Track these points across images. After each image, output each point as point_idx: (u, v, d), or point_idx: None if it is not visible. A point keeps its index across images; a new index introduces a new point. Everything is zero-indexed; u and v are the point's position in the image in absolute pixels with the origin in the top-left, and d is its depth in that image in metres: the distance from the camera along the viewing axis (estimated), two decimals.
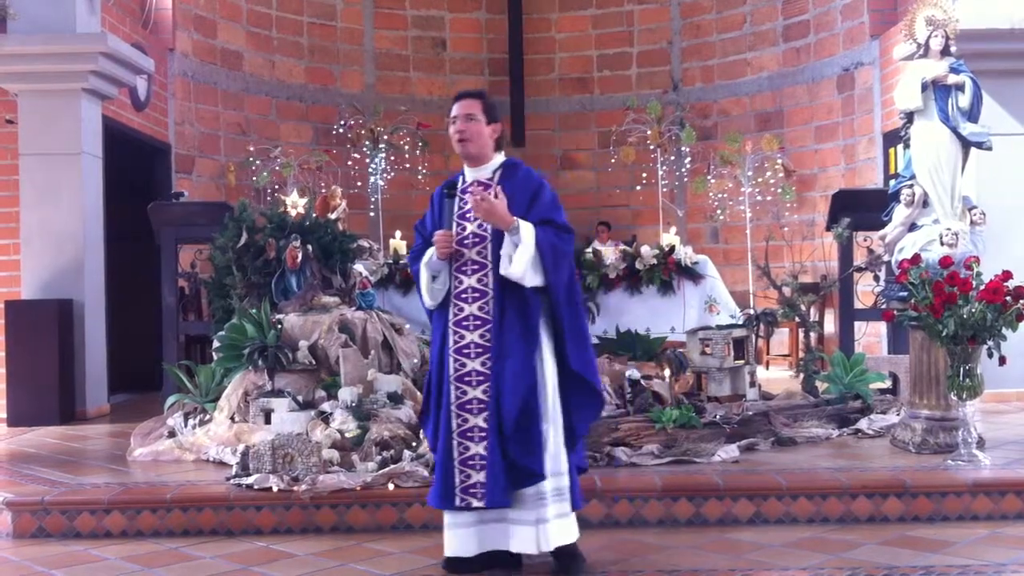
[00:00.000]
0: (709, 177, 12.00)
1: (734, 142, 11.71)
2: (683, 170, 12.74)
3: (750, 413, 6.55)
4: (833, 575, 4.28)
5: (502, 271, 4.21)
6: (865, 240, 7.94)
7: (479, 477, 4.19)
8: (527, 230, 4.19)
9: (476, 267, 4.28)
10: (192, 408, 6.81)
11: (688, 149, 12.56)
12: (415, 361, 6.86)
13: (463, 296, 4.28)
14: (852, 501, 5.17)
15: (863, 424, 6.69)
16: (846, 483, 5.23)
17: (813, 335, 8.12)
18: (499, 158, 4.43)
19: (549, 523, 4.21)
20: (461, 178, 4.44)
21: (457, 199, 4.36)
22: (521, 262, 4.17)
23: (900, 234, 6.25)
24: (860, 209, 7.96)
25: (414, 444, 5.67)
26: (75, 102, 8.44)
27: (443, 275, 4.32)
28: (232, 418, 6.41)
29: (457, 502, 4.21)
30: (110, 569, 4.61)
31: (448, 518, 4.30)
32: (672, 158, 12.58)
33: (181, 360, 8.14)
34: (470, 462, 4.21)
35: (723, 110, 13.31)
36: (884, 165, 10.87)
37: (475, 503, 4.19)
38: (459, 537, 4.28)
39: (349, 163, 12.76)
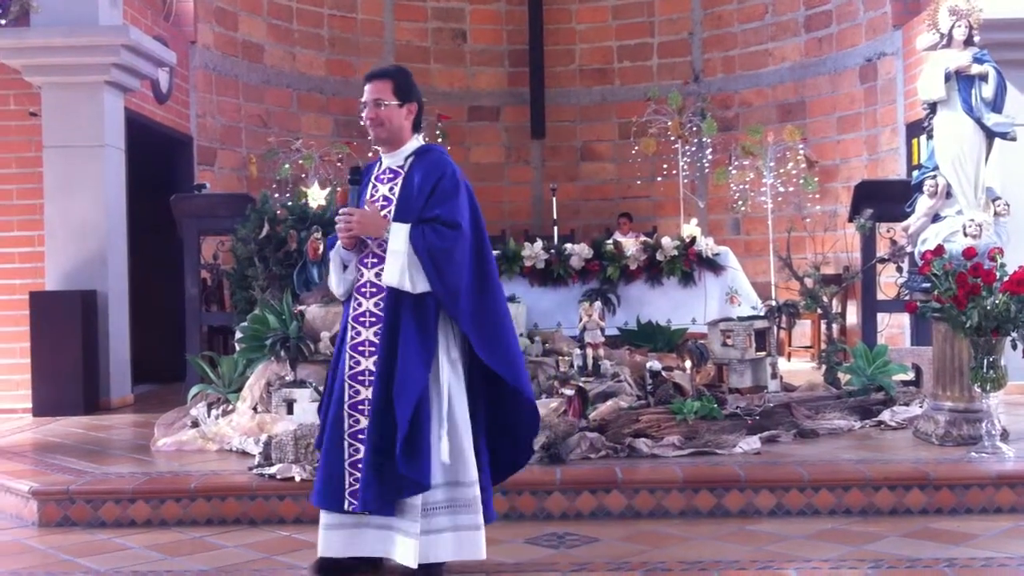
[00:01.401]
0: (730, 168, 11.94)
1: (756, 133, 11.65)
2: (704, 161, 12.70)
3: (771, 405, 6.54)
4: (855, 567, 4.27)
5: (383, 281, 4.02)
6: (888, 231, 7.90)
7: (351, 479, 4.02)
8: (398, 236, 3.97)
9: (376, 260, 4.07)
10: (215, 398, 6.85)
11: (709, 140, 12.50)
12: None
13: (362, 291, 4.10)
14: (874, 493, 5.15)
15: (886, 416, 6.66)
16: (868, 475, 5.21)
17: (835, 326, 8.08)
18: (414, 143, 4.19)
19: (440, 535, 4.00)
20: (379, 164, 4.24)
21: (369, 186, 4.18)
22: (393, 271, 3.95)
23: (923, 225, 6.21)
24: (883, 200, 7.91)
25: None
26: (98, 95, 8.49)
27: (352, 266, 4.14)
28: (255, 408, 6.45)
29: (346, 505, 4.00)
30: (134, 558, 4.65)
31: (327, 518, 4.07)
32: (693, 149, 12.53)
33: (204, 351, 8.19)
34: (359, 465, 3.99)
35: (744, 101, 13.25)
36: (907, 156, 10.80)
37: (349, 505, 4.01)
38: (338, 538, 4.05)
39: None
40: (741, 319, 7.68)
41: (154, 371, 9.73)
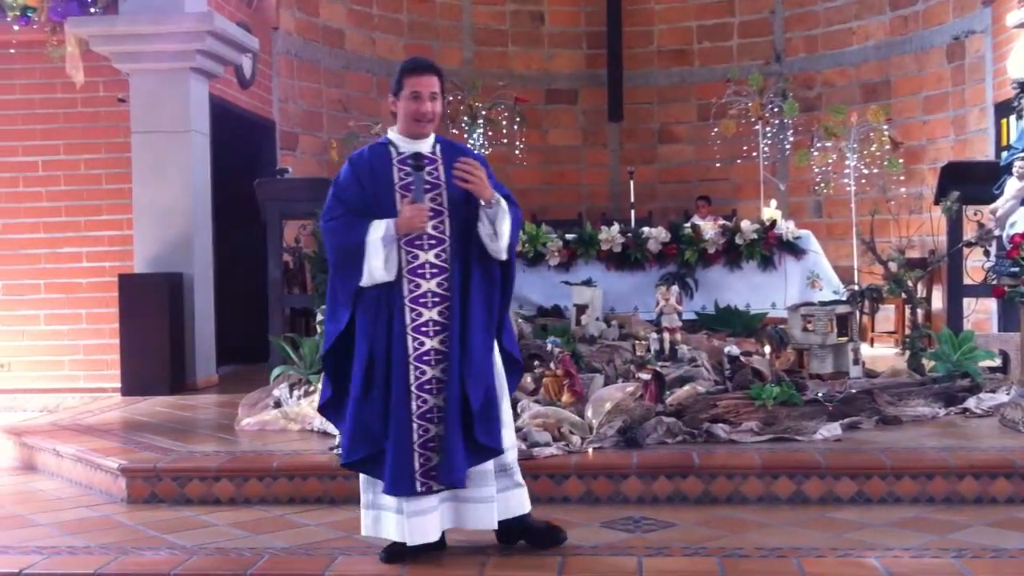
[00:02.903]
0: (812, 150, 11.75)
1: (839, 113, 11.43)
2: (785, 143, 12.51)
3: (853, 391, 6.44)
4: (938, 556, 4.19)
5: (492, 244, 4.13)
6: (975, 214, 7.71)
7: (438, 459, 4.06)
8: (503, 203, 4.14)
9: (434, 242, 4.12)
10: (297, 379, 6.96)
11: (790, 121, 12.31)
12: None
13: (419, 272, 4.11)
14: (958, 481, 5.05)
15: (971, 403, 6.51)
16: (952, 463, 5.11)
17: (920, 312, 7.93)
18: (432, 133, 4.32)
19: (509, 492, 4.24)
20: (392, 150, 4.23)
21: (395, 171, 4.18)
22: (507, 235, 4.12)
23: (1012, 208, 6.07)
24: (970, 182, 7.71)
25: None
26: (183, 81, 8.66)
27: (392, 251, 4.12)
28: None
29: (418, 487, 4.05)
30: (219, 534, 4.76)
31: (402, 504, 4.09)
32: (774, 131, 12.35)
33: (286, 332, 8.32)
34: (430, 444, 4.07)
35: (827, 81, 13.01)
36: (996, 137, 10.51)
37: (435, 486, 4.08)
38: (418, 523, 4.09)
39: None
40: (822, 304, 7.58)
41: (238, 352, 9.93)
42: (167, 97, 8.63)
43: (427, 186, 4.17)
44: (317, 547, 4.51)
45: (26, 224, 9.01)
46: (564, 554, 4.25)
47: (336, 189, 4.27)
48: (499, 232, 4.11)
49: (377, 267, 4.07)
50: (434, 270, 4.13)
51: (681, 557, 4.26)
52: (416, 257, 4.13)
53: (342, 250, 4.14)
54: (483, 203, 4.11)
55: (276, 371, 7.17)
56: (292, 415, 6.46)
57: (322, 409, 4.38)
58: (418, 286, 4.12)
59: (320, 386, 4.46)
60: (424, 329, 4.10)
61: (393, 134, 4.30)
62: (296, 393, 6.77)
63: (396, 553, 4.20)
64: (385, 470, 4.09)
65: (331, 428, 5.96)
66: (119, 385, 8.38)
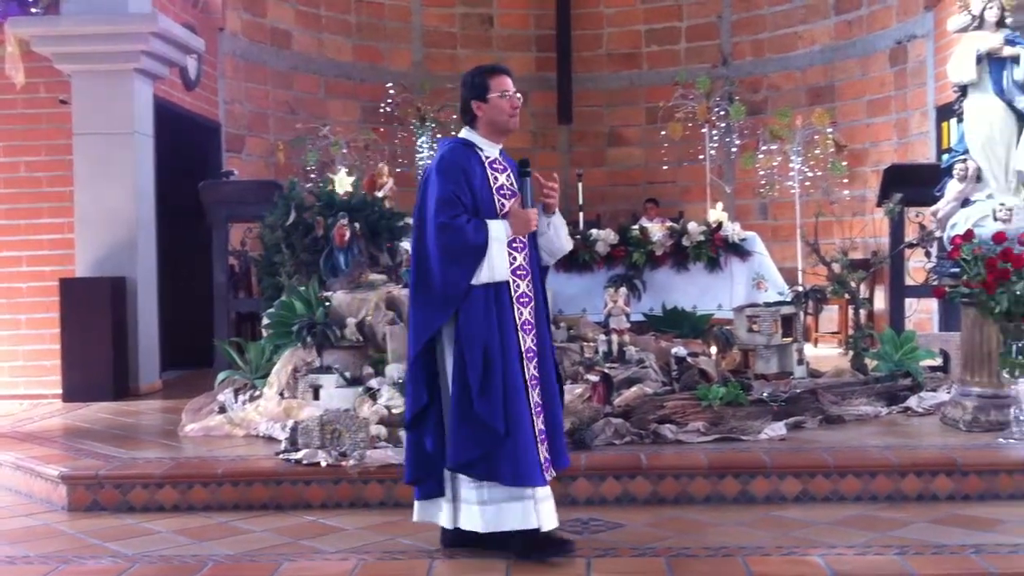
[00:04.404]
0: (758, 153, 11.87)
1: (784, 117, 11.57)
2: (732, 146, 12.62)
3: (798, 391, 6.50)
4: (881, 553, 4.25)
5: (564, 247, 4.51)
6: (917, 216, 7.83)
7: (543, 451, 4.23)
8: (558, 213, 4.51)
9: (520, 245, 4.30)
10: (242, 384, 6.90)
11: (737, 124, 12.43)
12: None
13: (518, 272, 4.27)
14: (901, 479, 5.12)
15: (913, 402, 6.61)
16: (895, 461, 5.18)
17: (863, 312, 8.03)
18: None
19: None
20: (479, 153, 4.32)
21: (490, 176, 4.31)
22: (568, 243, 4.56)
23: (953, 209, 6.15)
24: (912, 184, 7.83)
25: None
26: (127, 82, 8.54)
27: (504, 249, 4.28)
28: (281, 394, 6.49)
29: (548, 477, 4.24)
30: (163, 542, 4.70)
31: (537, 492, 4.16)
32: (721, 133, 12.45)
33: (232, 337, 8.24)
34: (542, 435, 4.24)
35: (773, 84, 13.15)
36: (937, 139, 10.68)
37: (548, 476, 4.25)
38: (550, 508, 4.22)
39: (396, 141, 12.79)
40: (768, 305, 7.65)
41: (182, 357, 9.81)
42: (110, 98, 8.50)
43: (508, 191, 4.32)
44: (263, 553, 4.46)
45: None
46: (513, 557, 4.23)
47: (448, 189, 4.18)
48: (561, 235, 4.46)
49: (500, 266, 4.17)
50: (522, 271, 4.30)
51: (629, 558, 4.28)
52: (515, 259, 4.26)
53: (461, 250, 4.13)
54: (547, 213, 4.41)
55: (221, 376, 7.11)
56: (237, 420, 6.40)
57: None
58: (518, 286, 4.27)
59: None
60: (527, 327, 4.28)
61: (473, 136, 4.36)
62: (242, 398, 6.71)
63: (535, 541, 4.20)
64: (510, 463, 4.09)
65: (277, 433, 5.91)
66: (60, 391, 8.25)
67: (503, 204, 4.27)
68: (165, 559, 4.43)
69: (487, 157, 4.34)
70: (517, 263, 4.27)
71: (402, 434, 5.50)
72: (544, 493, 4.20)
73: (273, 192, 8.17)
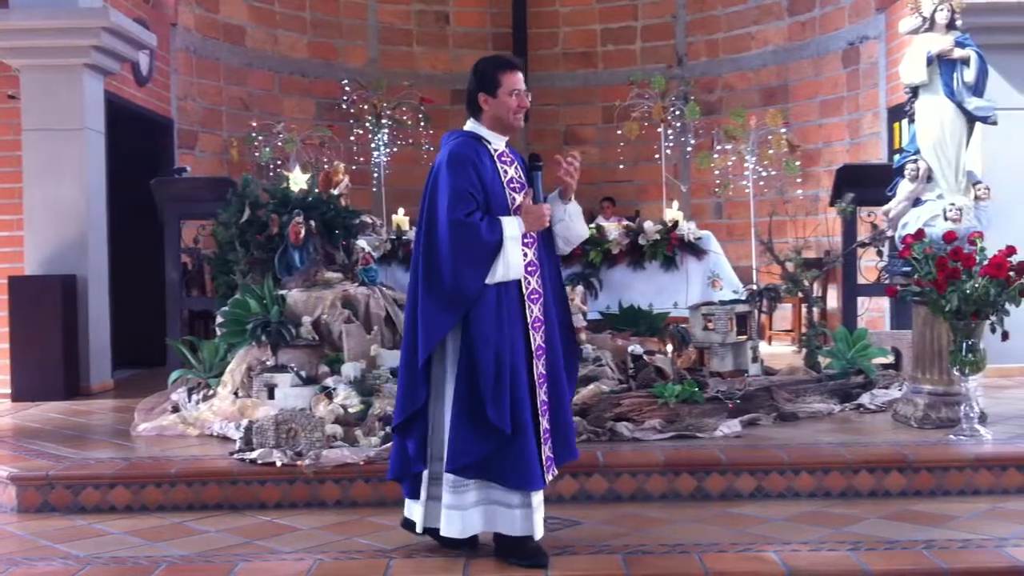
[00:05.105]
0: (713, 152, 11.96)
1: (739, 117, 11.66)
2: (687, 145, 12.69)
3: (752, 388, 6.56)
4: (835, 549, 4.29)
5: (582, 233, 4.39)
6: (869, 215, 7.92)
7: (547, 451, 4.17)
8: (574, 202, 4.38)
9: (531, 240, 4.20)
10: (196, 383, 6.83)
11: (692, 124, 12.50)
12: None
13: (529, 269, 4.18)
14: (854, 476, 5.18)
15: (865, 399, 6.69)
16: (848, 458, 5.24)
17: (816, 310, 8.12)
18: None
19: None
20: (486, 146, 4.23)
21: (500, 169, 4.21)
22: (584, 231, 4.45)
23: (904, 209, 6.23)
24: (864, 184, 7.93)
25: None
26: (77, 77, 8.41)
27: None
28: (236, 393, 6.43)
29: (549, 476, 4.19)
30: (115, 543, 4.63)
31: (533, 499, 4.09)
32: (676, 133, 12.52)
33: (185, 335, 8.16)
34: (544, 436, 4.17)
35: (728, 84, 13.25)
36: (889, 140, 10.83)
37: (549, 477, 4.20)
38: (541, 516, 4.19)
39: (352, 138, 12.72)
40: (723, 303, 7.71)
41: (135, 356, 9.70)
42: (60, 94, 8.37)
43: (518, 184, 4.24)
44: (217, 554, 4.42)
45: None
46: (470, 555, 4.23)
47: (460, 184, 4.05)
48: (576, 224, 4.33)
49: (516, 263, 4.08)
50: (531, 268, 4.21)
51: (586, 556, 4.29)
52: (525, 255, 4.16)
53: (476, 248, 4.00)
54: (565, 200, 4.30)
55: (174, 375, 7.03)
56: (191, 420, 6.33)
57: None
58: (528, 284, 4.19)
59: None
60: (537, 325, 4.19)
61: (481, 129, 4.25)
62: (195, 397, 6.64)
63: (535, 550, 4.15)
64: (513, 465, 4.02)
65: (231, 432, 5.86)
66: (9, 391, 8.11)
67: (514, 198, 4.17)
68: (118, 560, 4.37)
69: (495, 150, 4.24)
70: (528, 259, 4.17)
71: (358, 433, 5.54)
72: (539, 500, 4.15)
73: (227, 189, 8.09)
